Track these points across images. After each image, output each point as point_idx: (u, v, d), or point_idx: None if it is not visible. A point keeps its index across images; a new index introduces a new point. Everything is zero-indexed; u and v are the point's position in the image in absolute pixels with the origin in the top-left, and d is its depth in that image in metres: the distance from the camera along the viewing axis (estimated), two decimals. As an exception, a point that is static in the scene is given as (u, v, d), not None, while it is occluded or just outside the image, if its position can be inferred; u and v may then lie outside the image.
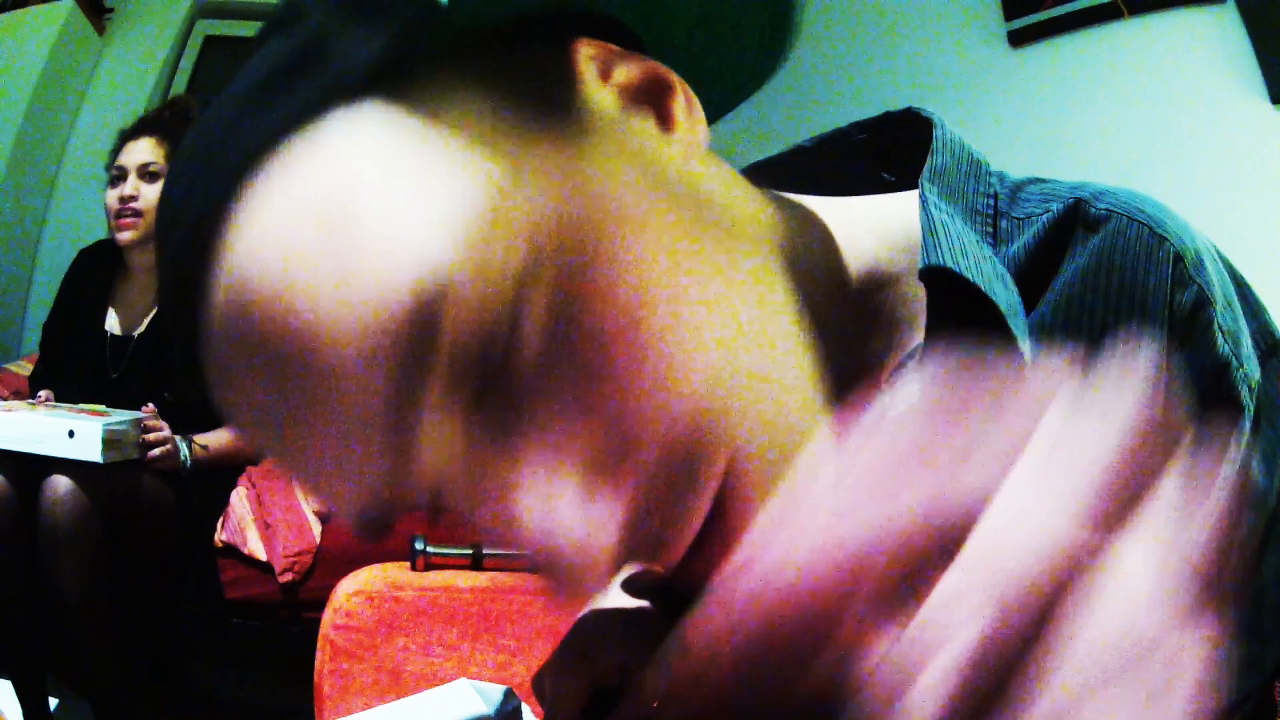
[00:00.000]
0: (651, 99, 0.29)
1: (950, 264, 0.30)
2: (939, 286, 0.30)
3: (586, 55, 0.29)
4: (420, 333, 0.24)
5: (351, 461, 0.26)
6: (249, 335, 0.25)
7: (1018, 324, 0.30)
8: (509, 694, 0.56)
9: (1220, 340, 0.30)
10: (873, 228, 0.34)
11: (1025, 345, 0.30)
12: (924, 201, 0.32)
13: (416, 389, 0.25)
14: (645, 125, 0.29)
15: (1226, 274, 0.32)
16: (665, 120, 0.30)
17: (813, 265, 0.32)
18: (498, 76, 0.27)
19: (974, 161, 0.35)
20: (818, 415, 0.28)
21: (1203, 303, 0.30)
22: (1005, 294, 0.31)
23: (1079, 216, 0.32)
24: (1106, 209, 0.32)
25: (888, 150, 0.38)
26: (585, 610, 0.40)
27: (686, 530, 0.27)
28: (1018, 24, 1.71)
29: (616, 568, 0.27)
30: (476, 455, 0.26)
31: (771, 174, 0.38)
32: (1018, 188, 0.35)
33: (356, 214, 0.25)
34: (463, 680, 0.58)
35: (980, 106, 1.69)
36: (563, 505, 0.26)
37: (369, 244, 0.24)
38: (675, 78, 0.30)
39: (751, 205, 0.31)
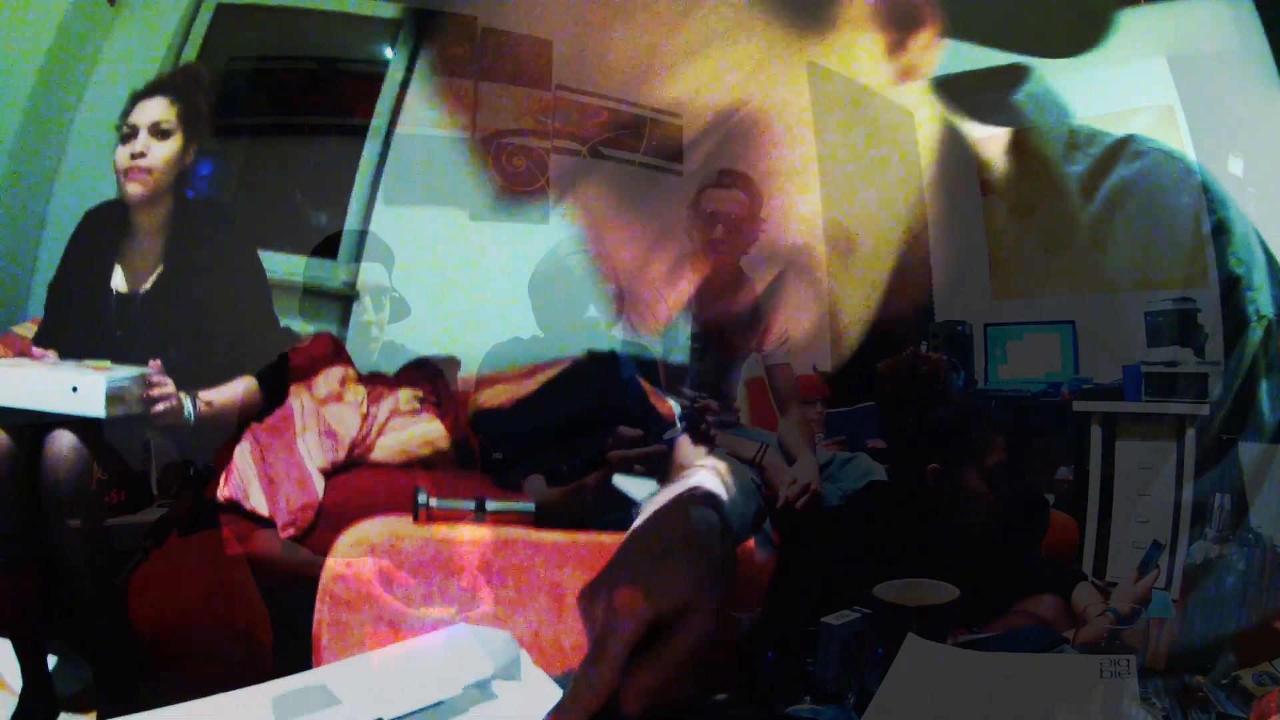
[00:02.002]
0: None
1: None
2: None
3: None
4: None
5: None
6: None
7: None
8: (509, 640, 0.55)
9: (1233, 262, 0.32)
10: None
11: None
12: None
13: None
14: None
15: (1255, 234, 0.34)
16: None
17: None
18: None
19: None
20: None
21: (1223, 227, 0.32)
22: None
23: (1128, 146, 0.35)
24: (1150, 147, 0.35)
25: None
26: (641, 521, 0.41)
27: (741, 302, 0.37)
28: (1034, 9, 1.71)
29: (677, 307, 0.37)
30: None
31: None
32: (1096, 132, 0.38)
33: None
34: (461, 624, 0.58)
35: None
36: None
37: None
38: None
39: None
